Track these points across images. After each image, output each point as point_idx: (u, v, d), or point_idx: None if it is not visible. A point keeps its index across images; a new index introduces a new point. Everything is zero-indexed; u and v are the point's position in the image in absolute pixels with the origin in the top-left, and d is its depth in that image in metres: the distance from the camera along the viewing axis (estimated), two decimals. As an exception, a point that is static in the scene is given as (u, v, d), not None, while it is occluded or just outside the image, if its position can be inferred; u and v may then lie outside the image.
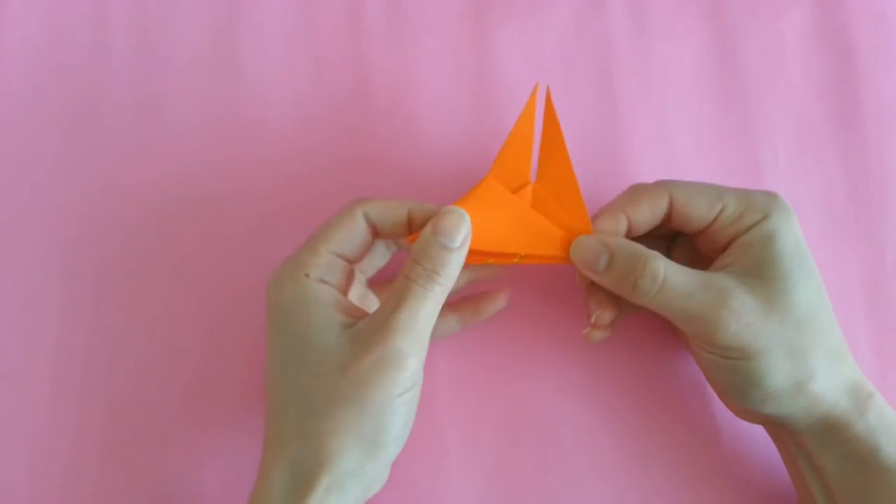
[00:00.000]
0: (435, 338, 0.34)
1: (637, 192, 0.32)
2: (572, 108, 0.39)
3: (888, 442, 0.29)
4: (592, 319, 0.33)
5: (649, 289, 0.30)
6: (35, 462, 0.35)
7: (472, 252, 0.30)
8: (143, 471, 0.35)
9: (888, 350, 0.37)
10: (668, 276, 0.29)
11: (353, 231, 0.31)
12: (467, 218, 0.29)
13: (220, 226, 0.37)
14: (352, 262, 0.31)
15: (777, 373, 0.29)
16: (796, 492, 0.33)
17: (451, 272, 0.29)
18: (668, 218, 0.32)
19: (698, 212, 0.31)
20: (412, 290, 0.28)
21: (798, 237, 0.30)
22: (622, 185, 0.38)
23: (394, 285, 0.29)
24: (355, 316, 0.29)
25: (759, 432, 0.34)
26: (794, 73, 0.40)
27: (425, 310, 0.28)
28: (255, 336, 0.36)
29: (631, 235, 0.32)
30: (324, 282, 0.30)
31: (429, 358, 0.36)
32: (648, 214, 0.32)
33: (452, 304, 0.35)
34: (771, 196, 0.31)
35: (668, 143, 0.39)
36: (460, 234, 0.29)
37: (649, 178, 0.38)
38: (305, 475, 0.27)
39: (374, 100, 0.39)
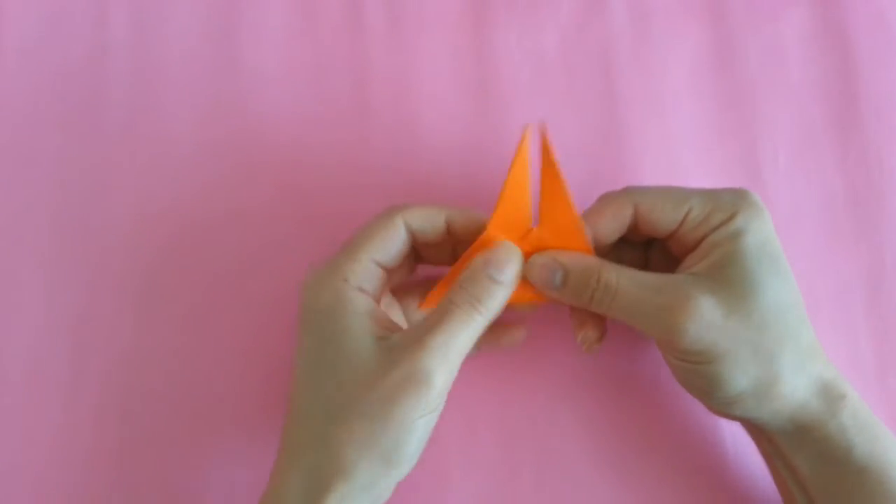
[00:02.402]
0: None
1: (600, 201, 0.32)
2: (573, 107, 0.39)
3: (861, 441, 0.29)
4: (578, 341, 0.32)
5: (603, 298, 0.30)
6: (48, 466, 0.35)
7: None
8: (156, 474, 0.35)
9: (888, 350, 0.37)
10: (620, 284, 0.29)
11: (393, 238, 0.30)
12: (519, 255, 0.30)
13: (220, 224, 0.37)
14: (388, 269, 0.31)
15: (740, 376, 0.28)
16: (779, 491, 0.33)
17: (493, 305, 0.29)
18: (635, 225, 0.31)
19: (664, 216, 0.30)
20: (453, 315, 0.28)
21: (767, 235, 0.29)
22: (622, 184, 0.38)
23: (439, 307, 0.29)
24: (389, 329, 0.29)
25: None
26: (793, 73, 0.40)
27: (462, 336, 0.28)
28: (254, 337, 0.36)
29: (598, 245, 0.32)
30: (361, 290, 0.29)
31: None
32: (612, 223, 0.31)
33: None
34: (739, 193, 0.30)
35: (668, 143, 0.39)
36: (510, 269, 0.29)
37: (649, 178, 0.38)
38: (321, 483, 0.27)
39: (374, 100, 0.39)
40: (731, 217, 0.29)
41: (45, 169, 0.37)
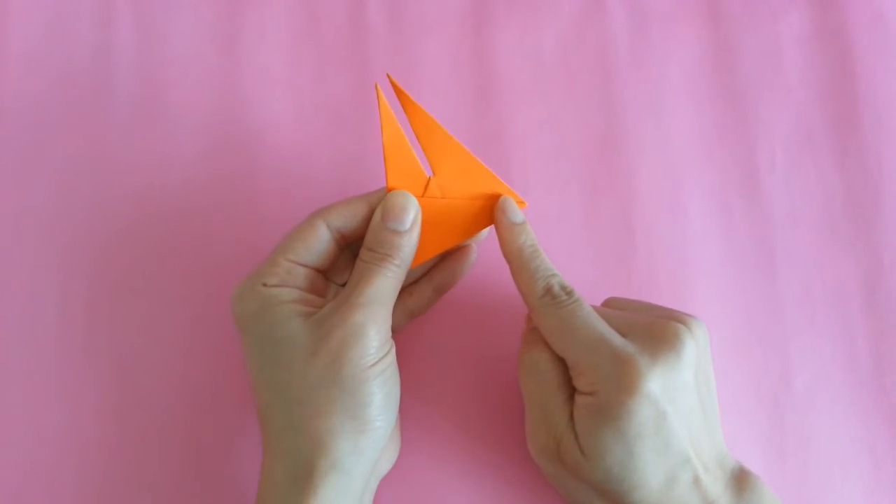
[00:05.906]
0: (418, 314, 0.35)
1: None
2: (572, 108, 0.39)
3: None
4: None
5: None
6: (47, 464, 0.34)
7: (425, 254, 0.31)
8: (151, 470, 0.34)
9: (886, 350, 0.37)
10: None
11: (313, 240, 0.31)
12: (413, 199, 0.30)
13: (222, 225, 0.37)
14: (320, 269, 0.32)
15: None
16: None
17: (405, 253, 0.30)
18: None
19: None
20: (369, 271, 0.29)
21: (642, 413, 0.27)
22: (621, 185, 0.38)
23: (353, 270, 0.30)
24: (317, 307, 0.30)
25: (757, 433, 0.34)
26: (792, 74, 0.40)
27: (383, 287, 0.29)
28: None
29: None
30: (283, 286, 0.30)
31: (429, 358, 0.36)
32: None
33: (427, 275, 0.35)
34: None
35: (666, 144, 0.39)
36: (408, 216, 0.30)
37: (648, 179, 0.38)
38: (304, 464, 0.28)
39: (375, 100, 0.39)
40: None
41: (49, 168, 0.37)
